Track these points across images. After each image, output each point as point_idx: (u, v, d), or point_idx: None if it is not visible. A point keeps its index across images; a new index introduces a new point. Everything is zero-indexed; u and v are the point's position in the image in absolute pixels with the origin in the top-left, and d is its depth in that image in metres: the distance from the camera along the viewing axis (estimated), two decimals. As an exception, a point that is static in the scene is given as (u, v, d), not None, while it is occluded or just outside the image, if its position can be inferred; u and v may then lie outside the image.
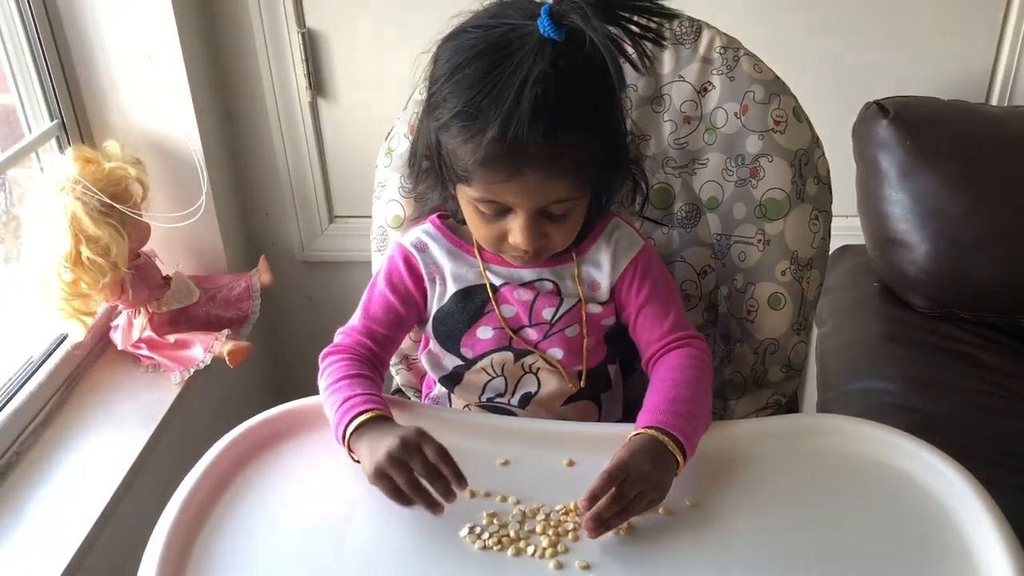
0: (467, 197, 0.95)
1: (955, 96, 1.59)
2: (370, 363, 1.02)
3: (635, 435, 0.91)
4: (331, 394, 0.97)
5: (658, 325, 1.02)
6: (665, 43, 1.05)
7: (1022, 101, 1.68)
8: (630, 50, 0.89)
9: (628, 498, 0.85)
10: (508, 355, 1.03)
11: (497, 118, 0.85)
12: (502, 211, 0.94)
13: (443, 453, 0.87)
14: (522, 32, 0.86)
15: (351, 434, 0.91)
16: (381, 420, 0.92)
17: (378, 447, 0.88)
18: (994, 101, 1.69)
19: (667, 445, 0.89)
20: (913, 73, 1.67)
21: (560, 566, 0.84)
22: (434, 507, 0.87)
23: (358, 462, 0.92)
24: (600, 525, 0.84)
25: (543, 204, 0.92)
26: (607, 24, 0.85)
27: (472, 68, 0.87)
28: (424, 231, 1.06)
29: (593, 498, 0.85)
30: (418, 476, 0.87)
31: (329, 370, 1.00)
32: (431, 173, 0.99)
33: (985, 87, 1.70)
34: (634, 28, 0.89)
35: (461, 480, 0.87)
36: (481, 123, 0.86)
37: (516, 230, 0.93)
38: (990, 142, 1.51)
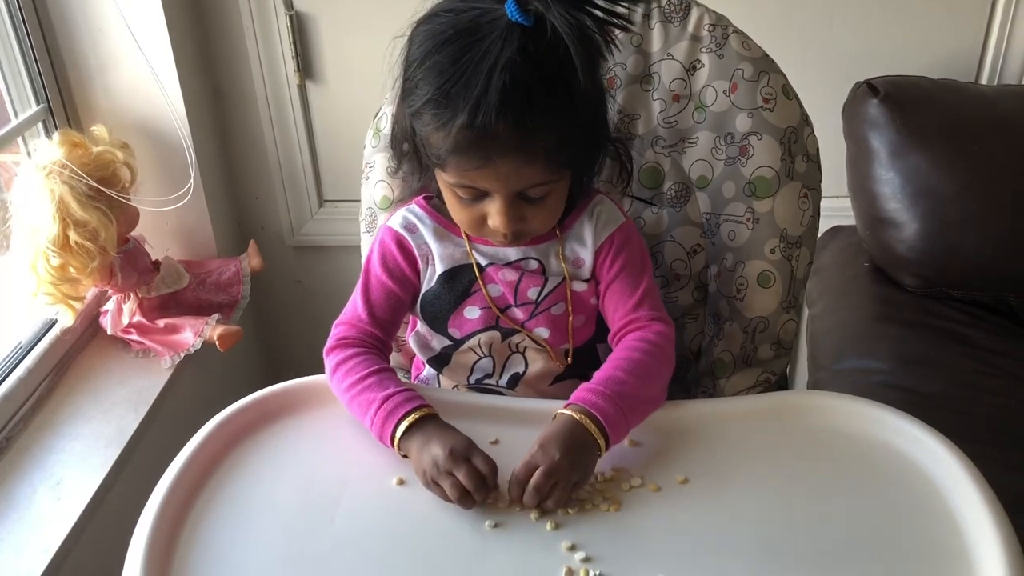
0: (444, 182, 0.95)
1: (945, 75, 1.58)
2: (383, 354, 1.02)
3: (558, 414, 0.91)
4: (360, 392, 0.96)
5: (624, 302, 1.01)
6: (632, 28, 1.04)
7: (1012, 80, 1.68)
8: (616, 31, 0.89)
9: (545, 491, 0.86)
10: (495, 335, 1.03)
11: (466, 106, 0.85)
12: (480, 195, 0.93)
13: (495, 469, 0.88)
14: (491, 17, 0.86)
15: (401, 437, 0.91)
16: (428, 420, 0.92)
17: (425, 455, 0.89)
18: (984, 80, 1.69)
19: (586, 426, 0.89)
20: (903, 52, 1.67)
21: (550, 542, 0.84)
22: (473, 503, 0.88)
23: (406, 456, 0.92)
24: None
25: (519, 188, 0.92)
26: (570, 9, 0.84)
27: (442, 54, 0.87)
28: (411, 212, 1.06)
29: (515, 499, 0.87)
30: (463, 483, 0.87)
31: (347, 366, 0.98)
32: (411, 156, 0.99)
33: (975, 66, 1.69)
34: (598, 13, 0.88)
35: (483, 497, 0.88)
36: (451, 111, 0.86)
37: (494, 214, 0.93)
38: (980, 121, 1.51)
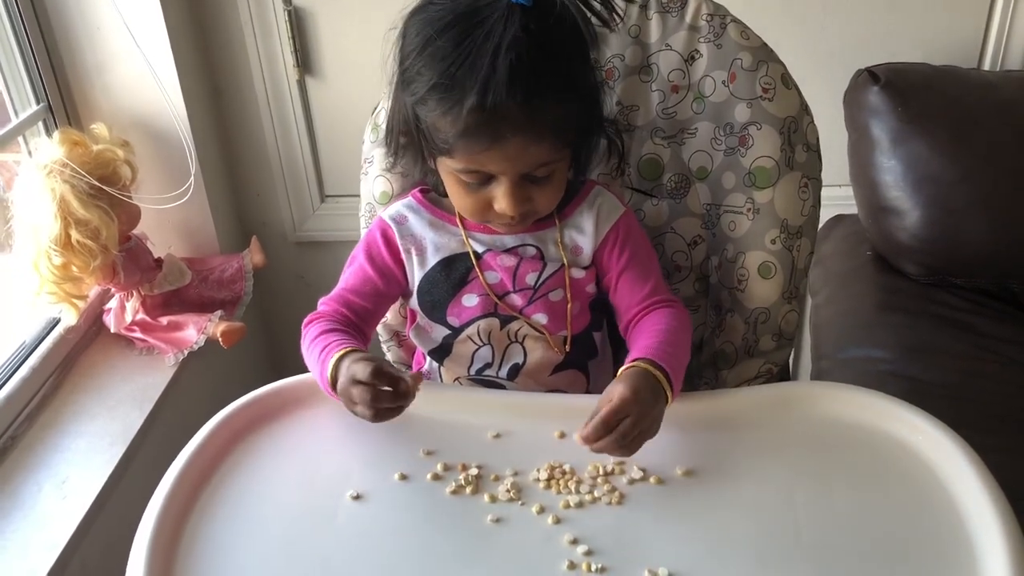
0: (449, 169, 0.95)
1: (947, 62, 1.58)
2: (349, 325, 1.03)
3: (627, 368, 0.91)
4: (310, 355, 0.98)
5: (638, 289, 1.02)
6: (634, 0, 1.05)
7: (1014, 65, 1.67)
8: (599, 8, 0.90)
9: (631, 437, 0.86)
10: (494, 322, 1.04)
11: (474, 87, 0.85)
12: (485, 179, 0.94)
13: (375, 371, 0.89)
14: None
15: (331, 380, 0.93)
16: (347, 356, 0.94)
17: (341, 389, 0.92)
18: (986, 66, 1.68)
19: (658, 378, 0.90)
20: (904, 39, 1.66)
21: (552, 536, 0.84)
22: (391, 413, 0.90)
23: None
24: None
25: (526, 169, 0.92)
26: None
27: (443, 39, 0.87)
28: (405, 204, 1.07)
29: (591, 439, 0.86)
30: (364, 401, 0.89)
31: (308, 334, 1.01)
32: (409, 149, 0.99)
33: (977, 52, 1.68)
34: None
35: (403, 383, 0.89)
36: (458, 94, 0.87)
37: (501, 197, 0.94)
38: (982, 107, 1.50)
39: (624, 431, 0.85)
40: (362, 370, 0.89)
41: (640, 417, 0.86)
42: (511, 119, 0.87)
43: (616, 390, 0.88)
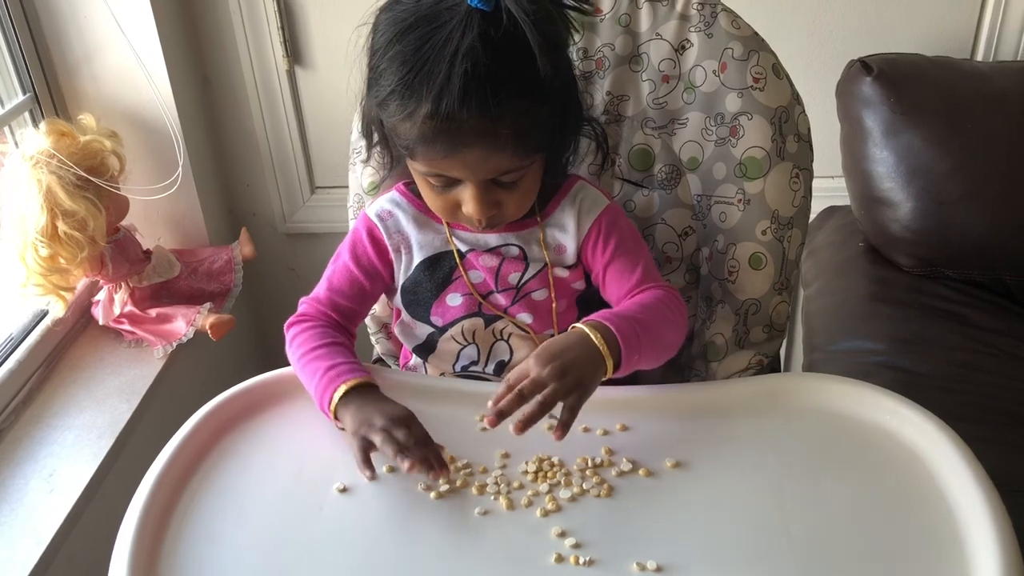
0: (416, 170, 0.95)
1: (940, 52, 1.57)
2: (336, 328, 1.02)
3: (571, 327, 0.90)
4: (308, 362, 0.97)
5: (626, 280, 1.01)
6: (590, 9, 1.03)
7: (1007, 56, 1.67)
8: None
9: (532, 396, 0.85)
10: (478, 321, 1.03)
11: (429, 96, 0.84)
12: (452, 182, 0.93)
13: (428, 438, 0.88)
14: (451, 2, 0.85)
15: (338, 402, 0.92)
16: (367, 388, 0.93)
17: (366, 416, 0.89)
18: (979, 57, 1.68)
19: (594, 341, 0.88)
20: (898, 30, 1.65)
21: (540, 528, 0.84)
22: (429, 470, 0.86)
23: (342, 429, 0.93)
24: (521, 424, 0.85)
25: (489, 176, 0.91)
26: None
27: (404, 43, 0.86)
28: (390, 199, 1.05)
29: (497, 407, 0.85)
30: (402, 446, 0.86)
31: (300, 339, 0.99)
32: (382, 145, 0.99)
33: (970, 43, 1.68)
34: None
35: (444, 467, 0.86)
36: (415, 101, 0.85)
37: (467, 200, 0.93)
38: (975, 98, 1.49)
39: (522, 393, 0.84)
40: (421, 434, 0.88)
41: (538, 382, 0.85)
42: (467, 129, 0.85)
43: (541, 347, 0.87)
